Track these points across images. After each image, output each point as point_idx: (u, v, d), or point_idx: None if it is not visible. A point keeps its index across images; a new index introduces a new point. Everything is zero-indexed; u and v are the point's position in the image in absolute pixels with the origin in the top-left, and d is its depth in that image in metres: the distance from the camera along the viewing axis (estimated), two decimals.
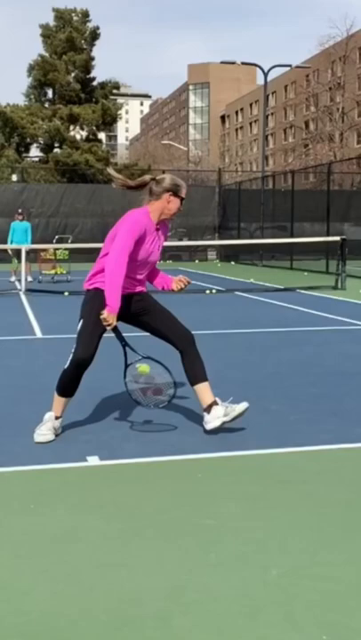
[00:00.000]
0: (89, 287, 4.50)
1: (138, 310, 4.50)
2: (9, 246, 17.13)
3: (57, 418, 4.48)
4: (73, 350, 4.41)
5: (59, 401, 4.50)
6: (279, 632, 2.35)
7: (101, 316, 4.19)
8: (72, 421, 4.89)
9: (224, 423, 4.38)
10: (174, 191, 4.34)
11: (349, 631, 2.37)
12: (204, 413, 4.44)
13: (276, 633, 2.35)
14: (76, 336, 4.46)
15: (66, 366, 4.42)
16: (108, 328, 4.27)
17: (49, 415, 4.48)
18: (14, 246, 16.77)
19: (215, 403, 4.42)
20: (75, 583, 2.69)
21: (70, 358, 4.39)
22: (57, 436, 4.44)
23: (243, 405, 4.41)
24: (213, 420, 4.38)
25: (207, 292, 14.64)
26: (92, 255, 25.61)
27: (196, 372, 4.44)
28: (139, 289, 4.50)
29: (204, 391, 4.44)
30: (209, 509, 3.36)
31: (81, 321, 4.50)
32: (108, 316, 4.18)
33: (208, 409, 4.41)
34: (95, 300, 4.38)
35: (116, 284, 4.17)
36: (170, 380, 4.35)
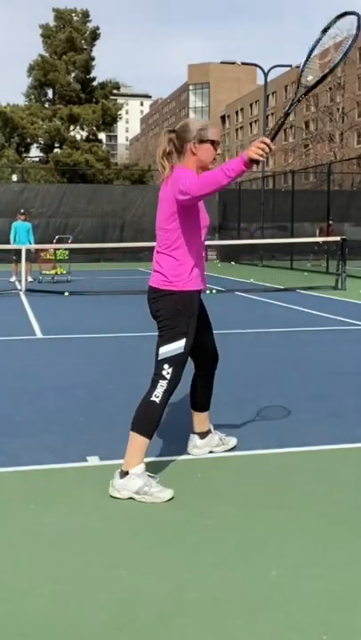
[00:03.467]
0: (172, 288, 3.58)
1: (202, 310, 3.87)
2: (9, 246, 17.14)
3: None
4: (167, 375, 3.55)
5: (143, 445, 3.55)
6: (279, 632, 2.35)
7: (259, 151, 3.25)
8: (72, 421, 4.89)
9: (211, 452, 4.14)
10: (199, 137, 3.56)
11: (349, 631, 2.37)
12: (195, 436, 4.11)
13: (276, 633, 2.35)
14: (169, 357, 3.56)
15: (155, 398, 3.54)
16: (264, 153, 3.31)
17: (139, 469, 3.53)
18: (15, 246, 16.79)
19: (210, 431, 4.14)
20: (75, 583, 2.69)
21: (164, 387, 3.54)
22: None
23: (234, 442, 4.22)
24: (204, 447, 4.11)
25: (207, 292, 14.65)
26: (91, 255, 25.51)
27: (205, 401, 4.04)
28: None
29: (205, 419, 4.10)
30: (209, 509, 3.36)
31: (183, 340, 3.57)
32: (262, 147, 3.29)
33: (203, 435, 4.11)
34: (186, 301, 3.59)
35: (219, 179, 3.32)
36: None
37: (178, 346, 3.55)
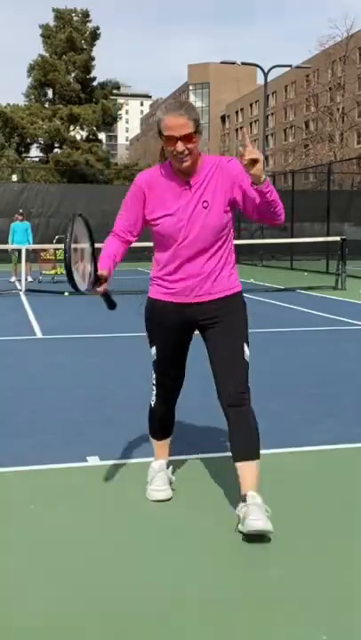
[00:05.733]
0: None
1: (203, 320, 3.25)
2: (9, 246, 17.17)
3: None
4: (153, 380, 3.48)
5: (152, 443, 3.65)
6: (279, 632, 2.35)
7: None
8: (72, 421, 4.89)
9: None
10: (159, 130, 3.04)
11: (349, 631, 2.37)
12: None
13: (277, 633, 2.35)
14: (152, 361, 3.42)
15: (150, 401, 3.53)
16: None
17: (153, 463, 3.60)
18: (15, 246, 16.80)
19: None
20: (75, 583, 2.69)
21: (153, 391, 3.49)
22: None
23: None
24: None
25: None
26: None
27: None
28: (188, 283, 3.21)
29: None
30: (209, 509, 3.36)
31: (153, 348, 3.36)
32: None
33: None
34: (148, 308, 3.34)
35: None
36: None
37: (152, 352, 3.38)
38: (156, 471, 3.53)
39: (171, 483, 3.55)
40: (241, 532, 2.99)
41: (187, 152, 2.98)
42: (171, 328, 3.26)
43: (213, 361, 3.21)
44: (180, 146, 2.97)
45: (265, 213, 3.06)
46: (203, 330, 3.25)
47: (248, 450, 3.14)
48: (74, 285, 2.90)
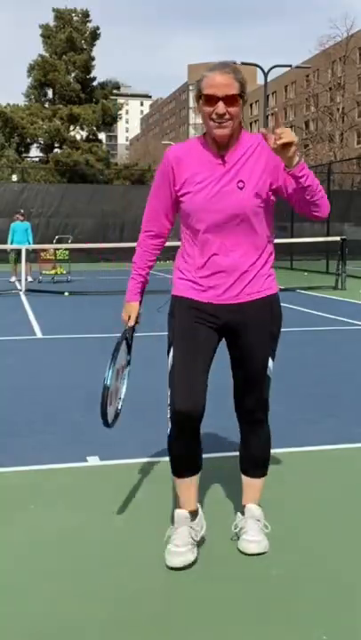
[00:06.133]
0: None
1: (232, 323, 2.84)
2: (9, 246, 17.17)
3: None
4: (168, 400, 2.82)
5: (176, 483, 2.95)
6: (279, 632, 2.35)
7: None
8: (72, 421, 4.89)
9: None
10: (198, 90, 2.69)
11: (349, 631, 2.37)
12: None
13: (277, 633, 2.35)
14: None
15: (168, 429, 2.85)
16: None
17: (175, 514, 2.92)
18: (14, 246, 16.81)
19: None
20: (75, 583, 2.69)
21: (168, 415, 2.83)
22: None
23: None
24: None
25: None
26: (91, 255, 25.45)
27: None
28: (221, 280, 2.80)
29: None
30: (209, 509, 3.35)
31: (171, 351, 2.84)
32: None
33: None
34: (171, 304, 2.90)
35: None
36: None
37: (169, 359, 2.84)
38: (178, 524, 2.86)
39: (197, 541, 2.85)
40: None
41: (228, 116, 2.61)
42: (195, 329, 2.78)
43: (234, 372, 2.93)
44: (220, 107, 2.60)
45: (303, 204, 2.67)
46: (228, 334, 2.86)
47: (256, 468, 3.02)
48: (106, 422, 2.85)
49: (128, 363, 3.19)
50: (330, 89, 63.11)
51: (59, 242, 20.57)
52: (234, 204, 2.70)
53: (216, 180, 2.71)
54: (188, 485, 2.88)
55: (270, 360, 2.91)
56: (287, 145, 2.47)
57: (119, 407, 3.06)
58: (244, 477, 3.05)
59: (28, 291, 14.56)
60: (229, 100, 2.61)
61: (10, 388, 6.00)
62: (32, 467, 3.97)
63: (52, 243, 20.39)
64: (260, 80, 60.39)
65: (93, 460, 4.07)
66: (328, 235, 21.00)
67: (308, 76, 67.67)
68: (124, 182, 40.23)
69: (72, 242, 20.96)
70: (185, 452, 2.85)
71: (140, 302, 3.02)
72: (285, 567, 2.80)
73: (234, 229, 2.74)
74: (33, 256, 17.55)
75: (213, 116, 2.62)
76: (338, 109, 61.40)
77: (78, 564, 2.84)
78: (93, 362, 7.17)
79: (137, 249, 2.97)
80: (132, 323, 3.04)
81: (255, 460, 3.00)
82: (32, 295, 14.09)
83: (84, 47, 45.70)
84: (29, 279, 16.10)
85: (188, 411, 2.73)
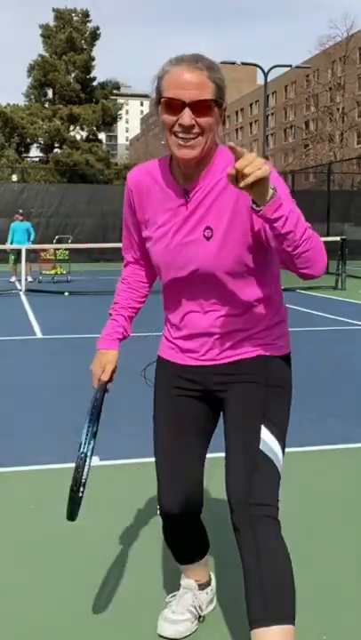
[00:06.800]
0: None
1: (215, 387, 2.14)
2: (8, 246, 17.18)
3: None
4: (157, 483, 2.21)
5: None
6: None
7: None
8: (72, 421, 4.89)
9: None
10: (157, 91, 1.92)
11: (349, 631, 2.37)
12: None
13: None
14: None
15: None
16: None
17: (186, 584, 2.44)
18: (14, 246, 16.82)
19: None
20: (75, 583, 2.69)
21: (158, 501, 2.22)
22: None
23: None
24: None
25: None
26: (92, 255, 25.47)
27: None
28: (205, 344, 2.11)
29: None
30: (209, 509, 3.35)
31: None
32: None
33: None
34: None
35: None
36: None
37: (153, 433, 2.33)
38: (181, 591, 2.42)
39: (199, 613, 2.38)
40: None
41: (197, 130, 1.85)
42: (177, 402, 2.19)
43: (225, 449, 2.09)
44: (187, 117, 1.83)
45: (283, 256, 1.80)
46: (214, 403, 2.18)
47: (268, 609, 1.84)
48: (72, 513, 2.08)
49: (94, 435, 2.42)
50: (330, 89, 63.11)
51: (59, 242, 20.58)
52: (200, 259, 1.96)
53: (177, 225, 1.99)
54: (195, 568, 2.38)
55: (267, 432, 2.05)
56: (257, 182, 1.63)
57: (80, 494, 2.13)
58: (254, 633, 1.87)
59: (28, 291, 14.56)
60: (200, 107, 1.84)
61: (10, 388, 6.00)
62: (32, 467, 3.97)
63: (52, 243, 20.40)
64: (260, 80, 60.42)
65: (93, 460, 4.06)
66: (328, 235, 21.01)
67: (308, 76, 67.68)
68: (123, 182, 40.20)
69: (72, 242, 20.97)
70: (185, 539, 2.31)
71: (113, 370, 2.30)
72: None
73: (206, 288, 2.02)
74: (33, 256, 17.56)
75: (176, 129, 1.86)
76: (338, 109, 61.40)
77: (78, 563, 2.84)
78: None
79: (118, 285, 2.32)
80: (105, 377, 2.27)
81: (268, 598, 1.85)
82: (32, 295, 14.09)
83: (84, 47, 45.72)
84: (29, 279, 16.10)
85: (179, 513, 2.18)
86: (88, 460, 2.23)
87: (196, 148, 1.88)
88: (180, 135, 1.87)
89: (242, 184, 1.62)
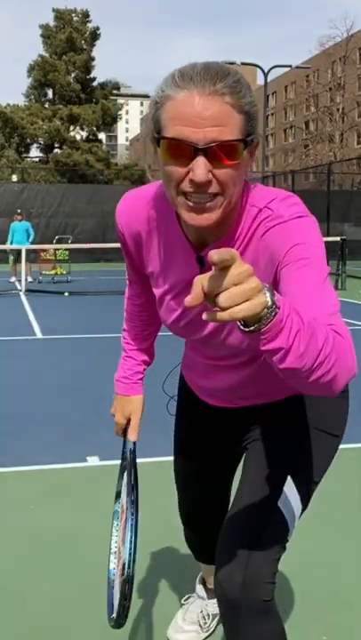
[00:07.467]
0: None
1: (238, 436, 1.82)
2: (8, 246, 17.18)
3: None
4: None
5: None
6: None
7: None
8: (72, 421, 4.89)
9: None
10: (155, 123, 1.35)
11: (349, 631, 2.37)
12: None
13: None
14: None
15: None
16: None
17: (200, 589, 2.36)
18: (14, 246, 16.82)
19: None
20: (75, 583, 2.69)
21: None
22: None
23: None
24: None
25: None
26: (92, 255, 25.45)
27: None
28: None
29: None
30: None
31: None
32: None
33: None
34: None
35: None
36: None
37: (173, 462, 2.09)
38: (191, 599, 2.35)
39: (207, 622, 2.28)
40: None
41: (215, 189, 1.29)
42: (198, 439, 1.93)
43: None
44: (200, 170, 1.26)
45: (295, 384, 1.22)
46: (242, 450, 1.81)
47: None
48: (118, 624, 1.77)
49: (133, 502, 1.90)
50: (330, 89, 63.13)
51: (59, 242, 20.58)
52: (217, 342, 1.56)
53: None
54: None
55: (291, 482, 1.66)
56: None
57: (127, 574, 1.79)
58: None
59: (28, 291, 14.56)
60: (222, 152, 1.26)
61: (10, 388, 6.00)
62: (32, 467, 3.97)
63: (52, 243, 20.39)
64: (260, 80, 60.42)
65: (93, 460, 4.07)
66: (328, 235, 21.01)
67: (308, 76, 67.69)
68: (123, 182, 40.21)
69: (72, 242, 20.96)
70: (205, 547, 2.13)
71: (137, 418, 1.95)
72: (285, 567, 2.80)
73: (220, 358, 1.66)
74: (33, 256, 17.56)
75: (185, 187, 1.29)
76: (338, 109, 61.41)
77: (78, 564, 2.84)
78: (93, 362, 7.18)
79: (125, 304, 1.90)
80: (133, 437, 1.93)
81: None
82: (32, 295, 14.09)
83: (84, 47, 45.72)
84: (29, 279, 16.10)
85: (199, 525, 2.10)
86: (113, 574, 1.84)
87: (215, 211, 1.31)
88: (193, 196, 1.29)
89: (206, 317, 1.00)
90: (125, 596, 1.64)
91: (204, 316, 1.00)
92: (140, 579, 2.71)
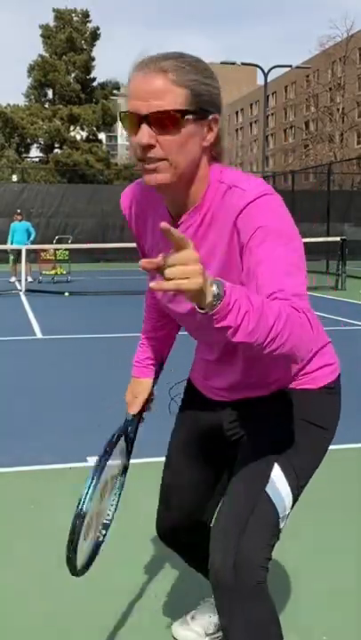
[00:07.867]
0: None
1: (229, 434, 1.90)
2: (9, 246, 17.19)
3: None
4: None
5: None
6: None
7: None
8: (72, 421, 4.90)
9: None
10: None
11: (349, 631, 2.37)
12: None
13: None
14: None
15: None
16: None
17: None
18: (14, 246, 16.82)
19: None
20: (75, 583, 2.69)
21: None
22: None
23: None
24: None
25: None
26: (91, 255, 25.44)
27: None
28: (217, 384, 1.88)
29: None
30: None
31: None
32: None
33: None
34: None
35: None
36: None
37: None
38: (209, 601, 2.29)
39: (212, 631, 2.25)
40: None
41: (159, 153, 1.48)
42: (199, 436, 2.00)
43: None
44: (141, 134, 1.47)
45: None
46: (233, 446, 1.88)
47: None
48: (73, 568, 1.79)
49: (124, 470, 2.15)
50: (330, 89, 63.15)
51: (59, 242, 20.58)
52: (192, 318, 1.53)
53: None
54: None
55: (278, 469, 1.76)
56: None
57: (101, 538, 2.00)
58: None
59: (28, 291, 14.56)
60: (160, 120, 1.46)
61: (10, 389, 6.00)
62: (32, 467, 3.97)
63: (52, 243, 20.39)
64: (260, 80, 60.47)
65: (93, 460, 4.07)
66: (328, 235, 21.02)
67: (308, 76, 67.71)
68: (123, 182, 40.22)
69: (72, 242, 20.97)
70: (184, 544, 2.14)
71: (155, 381, 2.08)
72: (285, 567, 2.80)
73: (208, 342, 1.80)
74: (33, 256, 17.57)
75: (139, 154, 1.51)
76: (338, 110, 61.43)
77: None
78: (93, 362, 7.18)
79: (145, 300, 2.08)
80: (136, 408, 2.08)
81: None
82: (32, 295, 14.10)
83: (84, 47, 45.74)
84: (29, 279, 16.10)
85: (169, 527, 2.13)
86: (89, 514, 1.88)
87: (163, 173, 1.50)
88: (141, 157, 1.50)
89: (154, 285, 1.17)
90: (73, 530, 1.78)
91: (152, 285, 1.18)
92: (147, 578, 2.72)
